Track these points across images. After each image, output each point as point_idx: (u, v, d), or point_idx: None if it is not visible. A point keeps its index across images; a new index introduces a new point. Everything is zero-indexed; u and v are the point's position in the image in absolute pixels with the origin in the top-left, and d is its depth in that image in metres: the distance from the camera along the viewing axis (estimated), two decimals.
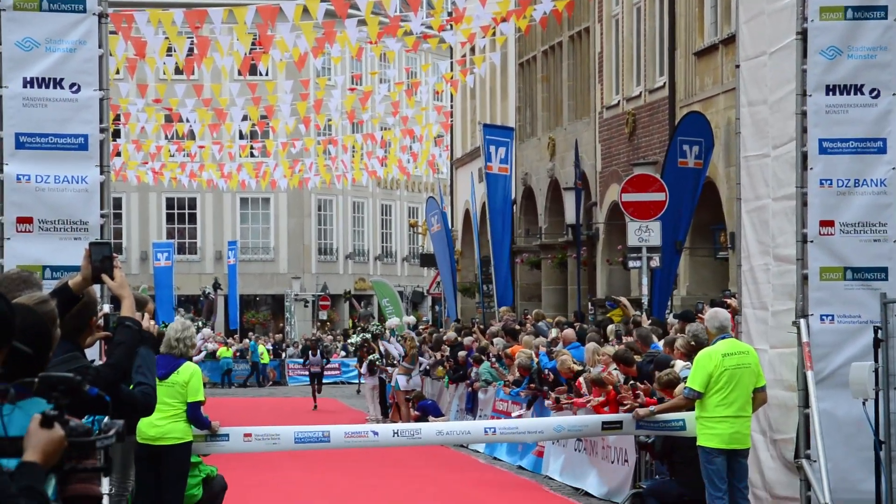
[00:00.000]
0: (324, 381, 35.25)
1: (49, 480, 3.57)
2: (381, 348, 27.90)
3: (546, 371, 18.00)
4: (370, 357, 28.19)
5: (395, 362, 26.71)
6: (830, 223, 10.03)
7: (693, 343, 12.19)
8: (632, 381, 14.04)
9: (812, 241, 10.02)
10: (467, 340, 24.44)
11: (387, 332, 28.58)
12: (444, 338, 26.20)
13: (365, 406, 30.08)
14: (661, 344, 15.32)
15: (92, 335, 5.96)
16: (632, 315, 19.36)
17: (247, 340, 49.36)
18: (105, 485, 9.07)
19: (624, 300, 21.06)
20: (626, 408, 13.96)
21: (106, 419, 6.45)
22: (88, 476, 3.77)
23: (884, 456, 9.47)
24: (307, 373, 35.61)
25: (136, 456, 10.47)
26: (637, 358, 14.62)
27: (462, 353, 23.98)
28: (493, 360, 21.82)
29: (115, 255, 5.97)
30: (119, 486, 10.24)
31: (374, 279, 54.53)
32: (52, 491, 3.58)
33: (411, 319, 33.10)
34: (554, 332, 20.75)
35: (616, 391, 14.62)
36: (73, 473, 3.69)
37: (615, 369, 14.97)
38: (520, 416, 18.13)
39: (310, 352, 34.86)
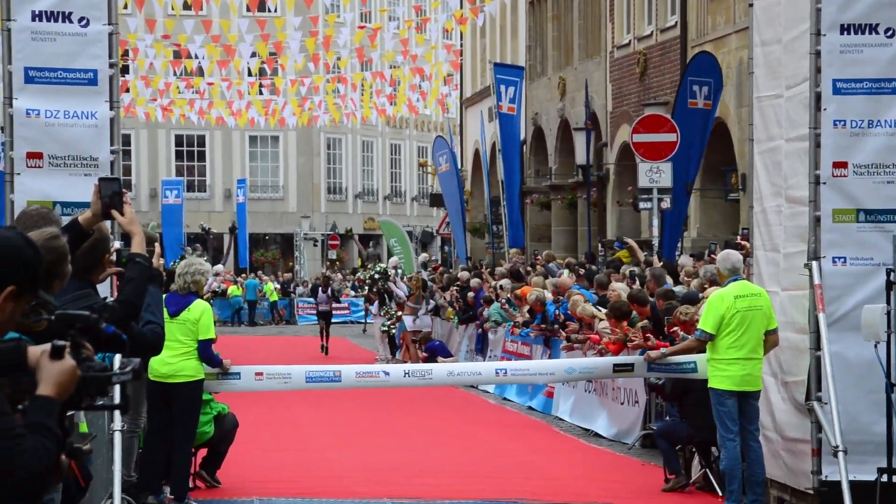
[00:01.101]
0: (332, 320, 33.76)
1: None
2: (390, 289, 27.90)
3: (558, 312, 17.98)
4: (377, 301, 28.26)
5: (401, 302, 26.72)
6: (843, 164, 9.95)
7: (707, 286, 12.17)
8: (643, 323, 14.02)
9: (825, 183, 9.94)
10: (474, 282, 24.44)
11: (391, 271, 28.53)
12: (459, 275, 26.21)
13: (373, 346, 30.17)
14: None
15: (104, 271, 5.95)
16: (641, 258, 19.33)
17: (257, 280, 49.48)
18: (118, 422, 9.11)
19: (632, 242, 21.02)
20: (634, 343, 13.98)
21: (118, 357, 6.45)
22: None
23: (895, 398, 9.46)
24: (316, 312, 34.74)
25: (147, 393, 10.52)
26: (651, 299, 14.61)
27: (471, 294, 23.99)
28: (503, 301, 21.83)
29: (124, 191, 5.94)
30: (131, 423, 10.29)
31: (381, 219, 54.49)
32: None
33: (423, 258, 32.90)
34: (565, 274, 20.74)
35: (623, 343, 14.62)
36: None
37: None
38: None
39: (320, 289, 33.92)
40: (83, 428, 6.42)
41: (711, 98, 21.99)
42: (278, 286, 49.19)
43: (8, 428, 3.12)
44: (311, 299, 48.60)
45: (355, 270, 44.44)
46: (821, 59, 9.94)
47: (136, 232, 5.91)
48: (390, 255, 44.72)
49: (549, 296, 19.12)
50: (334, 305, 35.96)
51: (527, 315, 19.80)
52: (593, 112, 29.52)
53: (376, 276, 28.71)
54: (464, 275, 26.04)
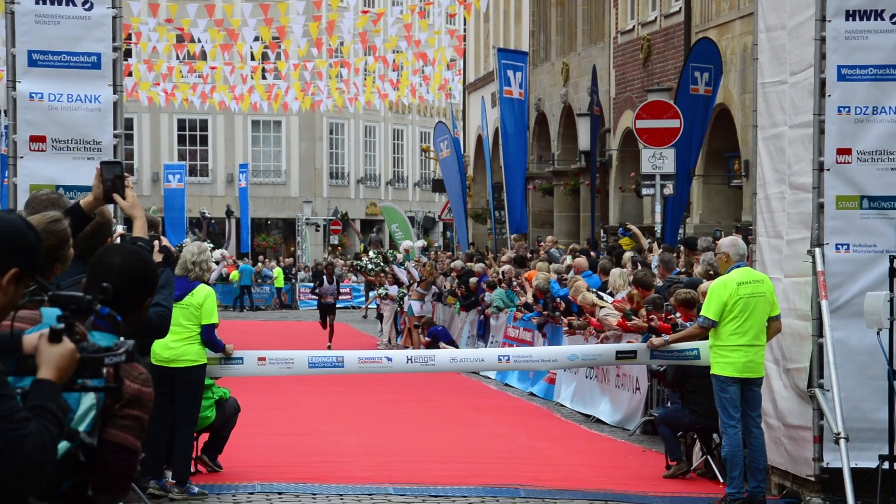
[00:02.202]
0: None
1: (89, 413, 3.56)
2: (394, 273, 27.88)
3: (558, 299, 18.00)
4: (381, 289, 28.22)
5: (406, 287, 26.71)
6: (847, 151, 9.94)
7: (711, 273, 12.15)
8: (649, 306, 14.00)
9: (828, 170, 9.94)
10: (478, 267, 24.45)
11: (399, 255, 28.51)
12: (452, 265, 26.25)
13: (375, 331, 30.19)
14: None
15: None
16: (645, 244, 19.32)
17: (260, 265, 49.44)
18: None
19: (635, 229, 21.02)
20: (633, 323, 13.96)
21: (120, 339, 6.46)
22: (128, 425, 3.76)
23: None
24: (317, 301, 30.11)
25: None
26: (658, 283, 14.60)
27: (473, 280, 24.00)
28: (505, 285, 21.84)
29: (126, 174, 5.93)
30: None
31: (383, 204, 54.45)
32: (89, 423, 3.57)
33: (420, 244, 32.78)
34: (568, 259, 20.74)
35: (626, 318, 14.62)
36: (113, 417, 3.70)
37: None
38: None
39: (324, 277, 29.88)
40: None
41: (712, 84, 21.97)
42: (270, 272, 49.12)
43: (11, 411, 3.12)
44: (313, 284, 48.70)
45: (358, 256, 44.42)
46: (825, 45, 9.92)
47: (137, 215, 5.92)
48: (392, 240, 44.67)
49: (553, 276, 19.13)
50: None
51: (531, 299, 19.79)
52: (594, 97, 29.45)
53: (381, 262, 28.69)
54: (457, 263, 26.04)
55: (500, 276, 22.48)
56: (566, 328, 16.94)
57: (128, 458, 3.69)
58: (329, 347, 26.74)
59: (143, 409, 3.77)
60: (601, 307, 15.85)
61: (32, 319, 3.70)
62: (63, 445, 3.38)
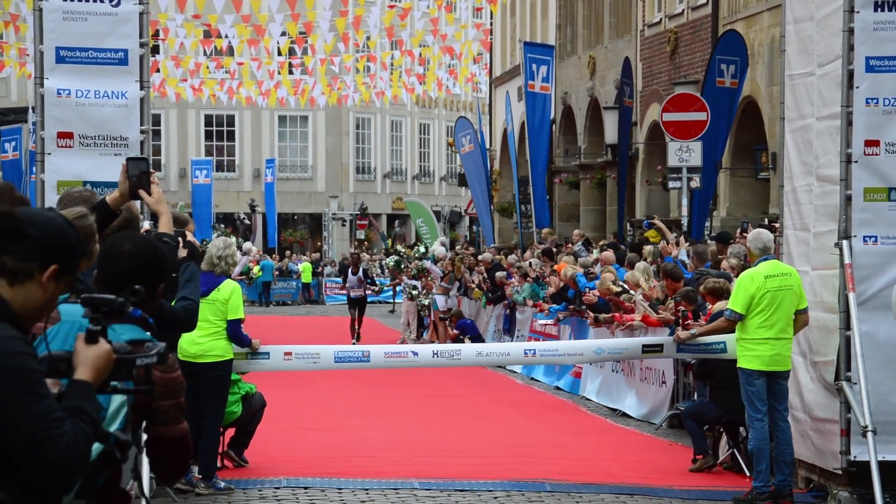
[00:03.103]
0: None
1: (121, 410, 3.59)
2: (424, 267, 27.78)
3: (586, 290, 17.93)
4: (411, 283, 28.03)
5: (434, 282, 26.69)
6: (876, 143, 9.88)
7: (744, 264, 12.09)
8: (678, 297, 13.94)
9: (856, 162, 9.88)
10: (512, 258, 24.52)
11: (439, 249, 28.45)
12: (480, 259, 26.25)
13: (398, 324, 30.15)
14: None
15: None
16: (671, 238, 19.26)
17: (286, 259, 49.51)
18: None
19: (660, 223, 20.94)
20: (661, 316, 13.89)
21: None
22: (170, 417, 3.80)
23: None
24: (346, 296, 29.19)
25: None
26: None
27: (501, 274, 23.99)
28: (531, 279, 21.83)
29: (152, 170, 5.95)
30: None
31: (408, 199, 54.46)
32: (122, 420, 3.60)
33: (441, 250, 32.65)
34: (595, 253, 20.70)
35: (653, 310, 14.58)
36: (153, 413, 3.74)
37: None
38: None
39: (349, 270, 28.27)
40: None
41: (738, 77, 21.89)
42: (295, 266, 49.07)
43: (47, 411, 3.14)
44: (340, 279, 48.68)
45: (388, 252, 44.34)
46: (854, 36, 9.86)
47: (163, 212, 5.94)
48: (417, 235, 44.64)
49: (580, 269, 19.10)
50: (369, 287, 30.10)
51: (555, 289, 19.72)
52: (623, 91, 29.37)
53: (417, 256, 28.56)
54: (486, 256, 26.05)
55: (529, 269, 22.44)
56: (591, 321, 16.90)
57: (179, 446, 3.78)
58: (354, 331, 26.81)
59: (177, 395, 3.79)
60: (624, 290, 15.77)
61: (51, 318, 3.72)
62: (97, 447, 3.41)
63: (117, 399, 3.59)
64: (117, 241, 3.92)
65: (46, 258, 3.31)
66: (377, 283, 34.80)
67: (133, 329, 3.77)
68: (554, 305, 19.72)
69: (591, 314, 16.86)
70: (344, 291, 48.72)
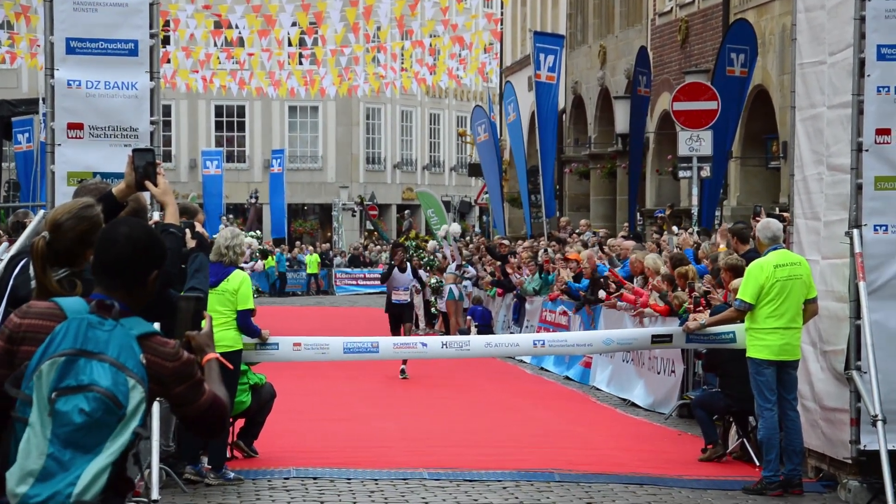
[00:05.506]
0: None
1: (140, 407, 3.65)
2: (444, 253, 27.68)
3: (603, 277, 17.84)
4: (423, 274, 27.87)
5: (450, 262, 26.63)
6: (887, 131, 9.85)
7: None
8: (705, 289, 13.81)
9: (867, 150, 9.85)
10: (523, 246, 24.56)
11: (450, 238, 28.36)
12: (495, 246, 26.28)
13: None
14: (706, 263, 15.17)
15: None
16: (674, 230, 19.23)
17: (295, 250, 49.47)
18: None
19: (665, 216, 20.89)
20: (680, 300, 13.77)
21: None
22: (190, 399, 3.93)
23: None
24: (386, 301, 20.13)
25: None
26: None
27: (514, 261, 23.99)
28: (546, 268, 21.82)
29: (158, 161, 5.94)
30: None
31: (418, 189, 54.39)
32: (141, 418, 3.66)
33: (457, 229, 32.50)
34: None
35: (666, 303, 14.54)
36: (175, 404, 3.92)
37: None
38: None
39: (392, 266, 19.78)
40: None
41: (748, 66, 21.85)
42: (302, 257, 48.95)
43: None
44: (350, 269, 48.58)
45: (396, 243, 44.30)
46: (865, 24, 9.83)
47: (169, 202, 5.94)
48: (427, 225, 44.57)
49: (598, 260, 19.08)
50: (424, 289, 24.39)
51: (570, 278, 19.65)
52: (633, 80, 29.30)
53: (432, 251, 28.42)
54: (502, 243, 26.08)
55: (543, 258, 22.41)
56: (607, 299, 16.84)
57: (209, 413, 3.91)
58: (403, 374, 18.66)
59: (189, 378, 3.82)
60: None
61: (52, 315, 3.74)
62: (121, 442, 3.60)
63: (136, 396, 3.63)
64: (114, 225, 3.95)
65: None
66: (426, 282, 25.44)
67: (141, 322, 3.80)
68: (566, 301, 19.58)
69: (613, 286, 16.76)
70: (355, 282, 48.44)
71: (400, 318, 19.36)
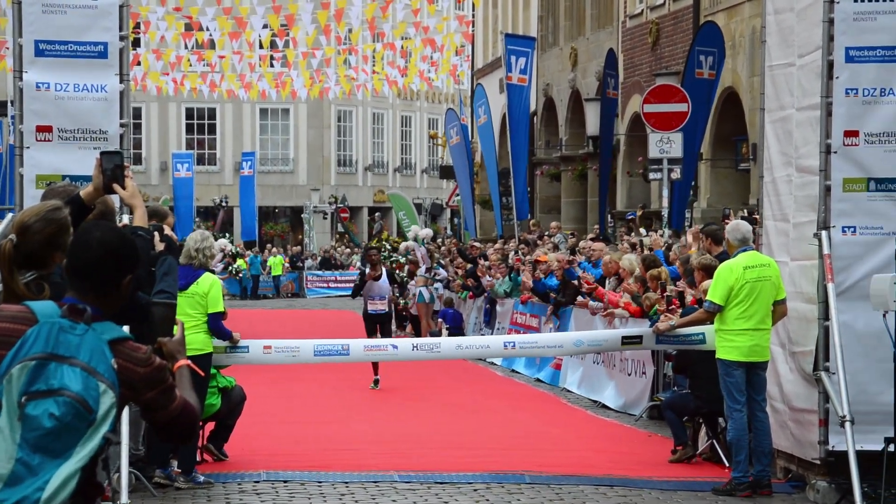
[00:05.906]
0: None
1: (110, 412, 3.65)
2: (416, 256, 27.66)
3: (576, 279, 17.86)
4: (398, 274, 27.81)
5: (421, 265, 26.62)
6: (855, 133, 9.91)
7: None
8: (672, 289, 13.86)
9: (836, 152, 9.91)
10: (492, 250, 24.56)
11: (412, 242, 28.33)
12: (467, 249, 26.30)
13: None
14: (677, 265, 15.20)
15: None
16: (642, 233, 19.27)
17: (265, 252, 49.34)
18: None
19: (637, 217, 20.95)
20: (651, 301, 13.80)
21: None
22: (160, 404, 3.91)
23: None
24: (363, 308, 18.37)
25: None
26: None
27: (484, 263, 24.01)
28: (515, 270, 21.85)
29: (127, 164, 5.92)
30: None
31: (390, 192, 54.41)
32: (111, 423, 3.65)
33: (428, 232, 32.49)
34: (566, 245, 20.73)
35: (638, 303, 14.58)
36: (145, 408, 3.90)
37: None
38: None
39: (366, 273, 18.29)
40: None
41: (716, 68, 21.97)
42: (286, 259, 48.84)
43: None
44: (321, 272, 48.47)
45: (373, 247, 44.19)
46: (834, 26, 9.89)
47: (137, 205, 5.92)
48: (399, 227, 44.55)
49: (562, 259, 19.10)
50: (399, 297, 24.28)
51: (539, 278, 19.66)
52: (604, 82, 29.39)
53: (404, 254, 28.40)
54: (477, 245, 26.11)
55: (512, 260, 22.45)
56: (580, 300, 16.87)
57: (180, 419, 3.90)
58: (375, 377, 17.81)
59: (160, 383, 3.81)
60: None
61: (24, 319, 3.72)
62: (91, 447, 3.58)
63: (106, 401, 3.62)
64: (87, 229, 3.93)
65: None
66: (407, 289, 25.77)
67: (113, 327, 3.78)
68: (537, 303, 19.58)
69: (587, 288, 16.79)
70: (326, 285, 48.36)
71: (376, 326, 17.99)
